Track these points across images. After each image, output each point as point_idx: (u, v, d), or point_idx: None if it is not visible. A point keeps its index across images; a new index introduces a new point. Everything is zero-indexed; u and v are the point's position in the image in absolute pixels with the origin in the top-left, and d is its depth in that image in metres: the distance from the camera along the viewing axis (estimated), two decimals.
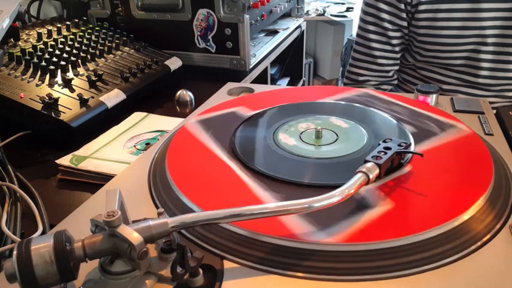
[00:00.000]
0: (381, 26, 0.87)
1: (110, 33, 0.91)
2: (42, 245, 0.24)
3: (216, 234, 0.32)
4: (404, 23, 0.85)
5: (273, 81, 1.34)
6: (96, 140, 0.61)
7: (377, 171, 0.34)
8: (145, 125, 0.66)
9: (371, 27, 0.88)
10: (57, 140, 0.64)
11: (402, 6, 0.83)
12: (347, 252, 0.30)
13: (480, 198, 0.34)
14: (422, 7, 0.81)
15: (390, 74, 0.93)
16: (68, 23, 0.89)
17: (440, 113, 0.51)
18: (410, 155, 0.40)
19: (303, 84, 1.55)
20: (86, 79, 0.72)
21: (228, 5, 0.88)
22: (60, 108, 0.63)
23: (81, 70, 0.75)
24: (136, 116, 0.69)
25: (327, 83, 2.74)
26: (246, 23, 0.88)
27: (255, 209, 0.29)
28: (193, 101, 0.78)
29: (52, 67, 0.71)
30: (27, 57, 0.71)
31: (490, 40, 0.80)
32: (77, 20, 0.92)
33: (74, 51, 0.78)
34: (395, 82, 0.97)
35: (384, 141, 0.38)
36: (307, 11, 2.32)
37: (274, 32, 1.22)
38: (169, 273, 0.26)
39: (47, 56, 0.74)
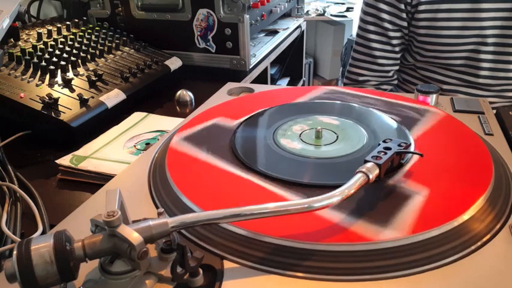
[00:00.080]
0: (381, 26, 0.87)
1: (110, 33, 0.91)
2: (42, 245, 0.24)
3: (216, 234, 0.32)
4: (405, 23, 0.85)
5: (273, 81, 1.34)
6: (96, 140, 0.61)
7: (377, 171, 0.34)
8: (145, 125, 0.66)
9: (371, 27, 0.88)
10: (57, 140, 0.64)
11: (402, 6, 0.83)
12: (347, 252, 0.30)
13: (480, 198, 0.34)
14: (422, 7, 0.81)
15: (390, 74, 0.93)
16: (68, 23, 0.89)
17: (410, 101, 0.53)
18: (410, 155, 0.40)
19: (303, 84, 1.55)
20: (86, 79, 0.72)
21: (228, 5, 0.88)
22: (60, 108, 0.63)
23: (81, 70, 0.75)
24: (136, 116, 0.69)
25: (327, 83, 2.74)
26: (246, 23, 0.88)
27: (255, 209, 0.29)
28: (193, 101, 0.78)
29: (52, 67, 0.71)
30: (27, 57, 0.71)
31: (490, 40, 0.80)
32: (77, 20, 0.92)
33: (74, 51, 0.78)
34: (396, 82, 0.97)
35: (384, 141, 0.38)
36: (307, 11, 2.32)
37: (274, 32, 1.22)
38: (169, 273, 0.26)
39: (47, 56, 0.74)
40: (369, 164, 0.34)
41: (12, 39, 0.77)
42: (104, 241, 0.26)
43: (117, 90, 0.72)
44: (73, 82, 0.70)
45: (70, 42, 0.82)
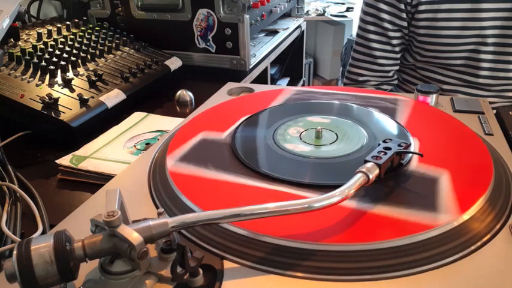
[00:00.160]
0: (381, 26, 0.87)
1: (110, 33, 0.91)
2: (42, 245, 0.24)
3: (216, 234, 0.32)
4: (404, 23, 0.85)
5: (273, 81, 1.34)
6: (96, 140, 0.61)
7: (377, 171, 0.34)
8: (145, 125, 0.66)
9: (371, 27, 0.88)
10: (57, 140, 0.64)
11: (402, 6, 0.83)
12: (347, 252, 0.30)
13: (480, 198, 0.34)
14: (422, 7, 0.81)
15: (390, 74, 0.93)
16: (68, 23, 0.89)
17: (378, 93, 0.56)
18: (410, 155, 0.40)
19: (303, 84, 1.55)
20: (86, 79, 0.72)
21: (228, 5, 0.88)
22: (60, 108, 0.63)
23: (81, 70, 0.75)
24: (136, 116, 0.69)
25: (327, 83, 2.74)
26: (246, 23, 0.88)
27: (255, 209, 0.29)
28: (193, 101, 0.78)
29: (52, 67, 0.71)
30: (27, 57, 0.71)
31: (490, 40, 0.80)
32: (77, 20, 0.92)
33: (74, 51, 0.78)
34: (396, 82, 0.97)
35: (384, 142, 0.38)
36: (307, 11, 2.32)
37: (274, 32, 1.22)
38: (169, 273, 0.26)
39: (47, 56, 0.74)
40: (369, 164, 0.34)
41: (12, 39, 0.77)
42: (104, 241, 0.26)
43: (117, 90, 0.72)
44: (73, 82, 0.70)
45: (70, 42, 0.82)
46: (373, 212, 0.33)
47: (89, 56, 0.80)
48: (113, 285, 0.26)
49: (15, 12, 0.71)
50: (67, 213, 0.37)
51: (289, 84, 1.46)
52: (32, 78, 0.68)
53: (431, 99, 0.56)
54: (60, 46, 0.79)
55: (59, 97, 0.65)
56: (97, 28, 0.91)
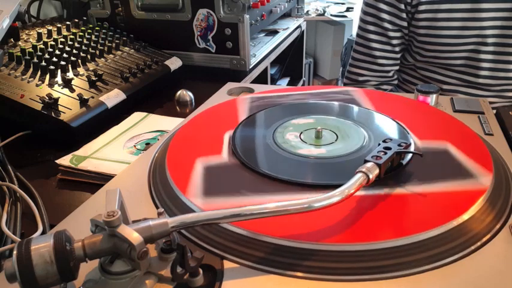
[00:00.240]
0: (381, 26, 0.87)
1: (110, 33, 0.91)
2: (42, 245, 0.24)
3: (216, 234, 0.32)
4: (404, 23, 0.85)
5: (273, 81, 1.34)
6: (96, 140, 0.61)
7: (377, 171, 0.34)
8: (145, 125, 0.66)
9: (371, 27, 0.88)
10: (57, 140, 0.64)
11: (402, 6, 0.83)
12: (347, 252, 0.30)
13: (480, 198, 0.34)
14: (422, 7, 0.81)
15: (390, 74, 0.93)
16: (68, 23, 0.89)
17: (330, 87, 0.59)
18: (410, 155, 0.40)
19: (303, 84, 1.55)
20: (86, 79, 0.72)
21: (228, 5, 0.88)
22: (60, 108, 0.63)
23: (81, 70, 0.75)
24: (136, 116, 0.69)
25: (327, 83, 2.74)
26: (246, 23, 0.88)
27: (255, 209, 0.29)
28: (193, 101, 0.78)
29: (52, 67, 0.71)
30: (27, 57, 0.71)
31: (490, 40, 0.80)
32: (77, 20, 0.92)
33: (74, 51, 0.78)
34: (396, 82, 0.97)
35: (384, 141, 0.38)
36: (307, 11, 2.32)
37: (274, 32, 1.22)
38: (169, 273, 0.26)
39: (47, 56, 0.74)
40: (369, 164, 0.34)
41: (12, 39, 0.77)
42: (104, 241, 0.26)
43: (117, 90, 0.72)
44: (73, 82, 0.70)
45: (70, 42, 0.82)
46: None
47: (89, 56, 0.80)
48: (113, 285, 0.26)
49: (15, 12, 0.71)
50: (67, 213, 0.37)
51: (289, 84, 1.46)
52: (32, 78, 0.68)
53: (431, 99, 0.56)
54: (60, 46, 0.79)
55: (59, 97, 0.65)
56: (97, 28, 0.91)
